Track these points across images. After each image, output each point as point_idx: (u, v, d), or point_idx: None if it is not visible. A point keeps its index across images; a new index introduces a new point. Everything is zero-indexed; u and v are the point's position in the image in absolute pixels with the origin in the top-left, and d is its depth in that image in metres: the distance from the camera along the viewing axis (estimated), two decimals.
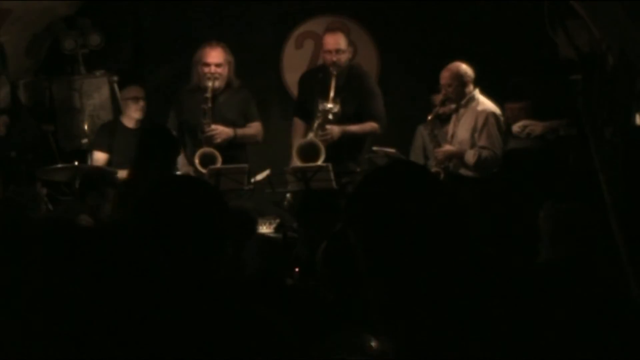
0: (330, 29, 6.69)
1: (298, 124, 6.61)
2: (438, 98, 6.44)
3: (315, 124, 6.27)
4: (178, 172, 6.58)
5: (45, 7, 7.30)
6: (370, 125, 6.42)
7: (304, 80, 6.77)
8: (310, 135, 6.30)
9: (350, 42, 6.63)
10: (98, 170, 6.47)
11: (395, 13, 7.76)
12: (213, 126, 6.25)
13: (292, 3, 7.84)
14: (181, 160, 6.72)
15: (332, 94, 6.22)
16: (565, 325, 1.77)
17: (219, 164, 6.14)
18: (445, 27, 7.62)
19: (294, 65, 7.42)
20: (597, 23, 6.25)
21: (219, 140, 6.27)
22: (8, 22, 6.94)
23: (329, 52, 6.35)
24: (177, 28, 7.84)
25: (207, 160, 6.19)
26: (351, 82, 6.42)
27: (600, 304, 1.89)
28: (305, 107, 6.56)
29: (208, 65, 6.33)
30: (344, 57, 6.37)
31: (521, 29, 7.30)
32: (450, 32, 7.58)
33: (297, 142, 6.41)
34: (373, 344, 2.80)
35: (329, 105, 6.23)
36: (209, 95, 6.24)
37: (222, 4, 7.82)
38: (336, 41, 6.38)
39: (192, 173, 6.52)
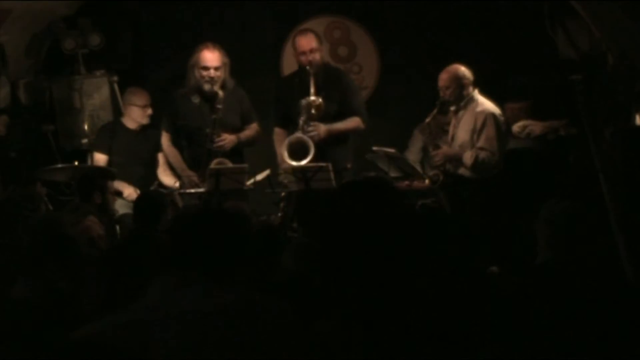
0: (300, 31, 6.72)
1: (279, 133, 6.58)
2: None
3: (301, 121, 6.27)
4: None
5: (45, 7, 7.30)
6: (354, 121, 6.44)
7: (280, 88, 6.77)
8: (298, 133, 6.29)
9: (351, 43, 6.62)
10: (95, 169, 6.48)
11: (395, 13, 7.76)
12: (222, 136, 6.26)
13: (292, 3, 7.84)
14: (161, 166, 6.73)
15: (312, 89, 6.24)
16: (564, 325, 1.77)
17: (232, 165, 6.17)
18: (445, 27, 7.62)
19: (294, 65, 7.40)
20: (597, 23, 6.26)
21: (227, 148, 6.29)
22: (8, 22, 6.94)
23: (304, 53, 6.34)
24: (177, 28, 7.84)
25: None
26: (329, 80, 6.43)
27: (599, 304, 1.89)
28: (285, 115, 6.56)
29: (207, 68, 6.30)
30: (318, 56, 6.37)
31: (521, 29, 7.30)
32: (450, 32, 7.58)
33: (284, 143, 6.39)
34: None
35: (312, 98, 6.24)
36: (220, 106, 6.24)
37: (222, 4, 7.82)
38: (308, 41, 6.38)
39: (173, 177, 6.55)
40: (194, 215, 2.35)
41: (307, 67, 6.27)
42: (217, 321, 2.05)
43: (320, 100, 6.26)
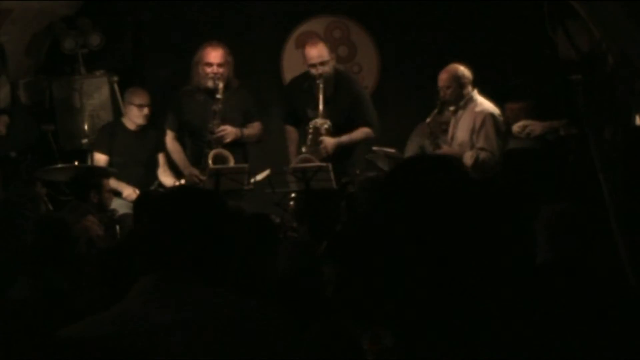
0: (310, 41, 6.63)
1: (290, 131, 6.65)
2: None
3: (308, 140, 6.29)
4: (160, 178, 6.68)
5: (45, 7, 7.30)
6: (363, 132, 6.44)
7: (289, 90, 6.81)
8: (304, 151, 6.31)
9: (351, 43, 6.58)
10: (90, 168, 6.51)
11: (395, 13, 7.76)
12: (222, 127, 6.27)
13: (292, 3, 7.84)
14: (161, 167, 6.75)
15: (321, 107, 6.24)
16: (564, 326, 1.77)
17: (231, 164, 6.17)
18: (445, 27, 7.62)
19: (294, 65, 7.42)
20: (597, 23, 6.26)
21: (228, 140, 6.30)
22: (8, 22, 6.94)
23: (314, 66, 6.33)
24: (177, 28, 7.84)
25: (219, 161, 6.22)
26: (340, 90, 6.42)
27: (599, 304, 1.89)
28: (294, 115, 6.59)
29: (211, 65, 6.34)
30: (329, 67, 6.37)
31: (521, 29, 7.30)
32: (450, 32, 7.58)
33: (293, 151, 6.49)
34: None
35: (320, 122, 6.24)
36: (220, 96, 6.26)
37: (222, 4, 7.82)
38: (319, 53, 6.36)
39: (173, 177, 6.58)
40: (170, 205, 2.08)
41: (317, 82, 6.26)
42: (204, 330, 1.90)
43: (328, 124, 6.26)
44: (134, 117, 6.74)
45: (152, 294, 1.95)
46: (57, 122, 7.49)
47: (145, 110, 6.74)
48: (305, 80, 6.51)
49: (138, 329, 1.89)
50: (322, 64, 6.32)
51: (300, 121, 6.50)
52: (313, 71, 6.34)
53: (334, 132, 6.32)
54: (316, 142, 6.26)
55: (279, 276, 3.77)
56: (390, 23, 7.81)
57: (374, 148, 6.52)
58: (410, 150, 6.98)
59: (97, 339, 1.87)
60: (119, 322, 1.91)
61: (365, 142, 6.56)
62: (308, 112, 6.38)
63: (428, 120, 6.35)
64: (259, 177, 6.29)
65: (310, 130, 6.28)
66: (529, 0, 7.10)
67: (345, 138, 6.35)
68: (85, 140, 7.34)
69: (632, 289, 3.53)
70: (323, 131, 6.26)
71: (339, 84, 6.45)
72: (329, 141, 6.25)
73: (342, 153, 6.37)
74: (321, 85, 6.24)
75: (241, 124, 6.49)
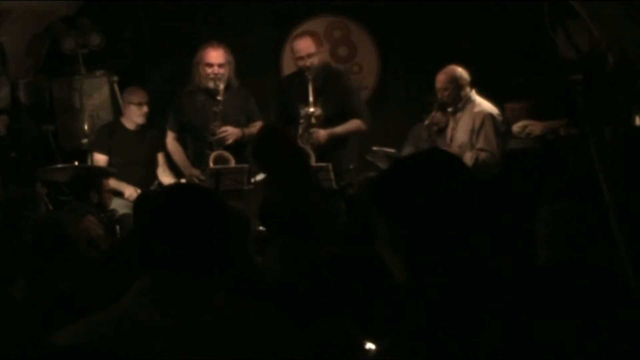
0: (297, 35, 6.71)
1: None
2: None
3: (300, 130, 6.29)
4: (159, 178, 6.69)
5: (45, 7, 7.30)
6: (355, 123, 6.44)
7: (281, 88, 6.81)
8: (297, 141, 6.31)
9: (351, 43, 6.56)
10: (90, 168, 6.51)
11: (395, 13, 7.76)
12: (223, 128, 6.28)
13: (292, 3, 7.85)
14: (161, 166, 6.76)
15: (311, 98, 6.24)
16: (564, 326, 1.77)
17: (232, 165, 6.19)
18: (445, 27, 7.62)
19: (293, 65, 7.41)
20: (597, 23, 6.26)
21: (230, 141, 6.31)
22: (8, 22, 6.94)
23: (301, 58, 6.36)
24: (177, 28, 7.84)
25: (220, 162, 6.22)
26: (328, 83, 6.43)
27: (600, 304, 1.89)
28: (285, 114, 6.58)
29: (211, 65, 6.34)
30: (316, 60, 6.37)
31: (521, 29, 7.30)
32: (450, 32, 7.58)
33: None
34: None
35: (311, 110, 6.25)
36: (220, 98, 6.27)
37: (222, 4, 7.82)
38: (306, 46, 6.39)
39: (173, 177, 6.59)
40: (160, 202, 2.04)
41: (306, 74, 6.28)
42: (203, 331, 1.88)
43: (319, 111, 6.26)
44: (134, 116, 6.75)
45: (151, 294, 1.93)
46: (57, 122, 7.50)
47: (145, 108, 6.75)
48: (296, 77, 6.53)
49: (136, 330, 1.87)
50: (309, 56, 6.34)
51: (292, 120, 6.48)
52: (300, 63, 6.37)
53: (325, 125, 6.32)
54: (308, 132, 6.26)
55: (278, 277, 3.77)
56: (390, 23, 7.82)
57: (374, 148, 6.52)
58: (407, 151, 6.97)
59: (95, 340, 1.85)
60: (117, 322, 1.89)
61: (358, 134, 6.55)
62: (300, 108, 6.38)
63: (426, 122, 6.36)
64: (259, 177, 6.29)
65: (302, 120, 6.28)
66: (529, 0, 7.10)
67: (337, 129, 6.36)
68: (85, 140, 7.35)
69: (632, 289, 3.53)
70: (314, 120, 6.26)
71: (329, 78, 6.46)
72: (320, 132, 6.26)
73: (335, 149, 6.36)
74: (310, 77, 6.25)
75: (244, 124, 6.50)
